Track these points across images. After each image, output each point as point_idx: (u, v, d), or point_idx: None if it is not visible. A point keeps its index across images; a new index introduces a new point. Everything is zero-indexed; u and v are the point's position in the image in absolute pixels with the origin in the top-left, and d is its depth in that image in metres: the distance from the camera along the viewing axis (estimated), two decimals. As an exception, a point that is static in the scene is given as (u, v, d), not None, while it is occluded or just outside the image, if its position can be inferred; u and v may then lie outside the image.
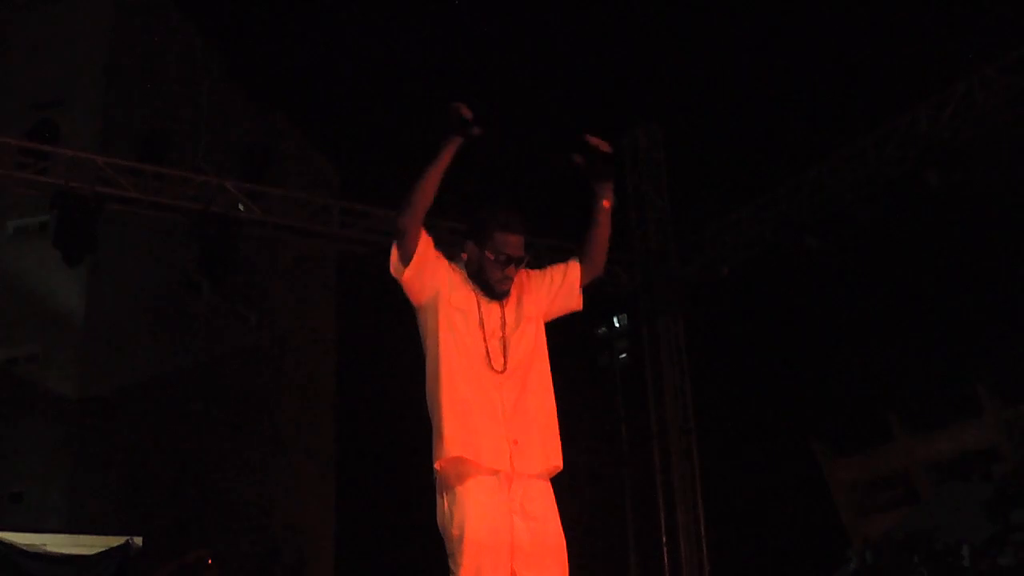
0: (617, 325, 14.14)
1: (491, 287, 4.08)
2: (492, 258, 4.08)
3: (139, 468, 23.02)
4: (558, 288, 4.31)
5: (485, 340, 3.99)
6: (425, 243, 4.15)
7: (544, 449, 3.98)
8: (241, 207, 12.20)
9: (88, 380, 23.59)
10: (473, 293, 4.09)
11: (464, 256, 4.23)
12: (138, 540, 11.27)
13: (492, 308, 4.08)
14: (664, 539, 13.46)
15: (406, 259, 4.15)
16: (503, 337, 4.02)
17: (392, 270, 4.21)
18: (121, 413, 23.15)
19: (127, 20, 27.02)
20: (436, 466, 3.91)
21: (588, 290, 4.40)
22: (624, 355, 14.23)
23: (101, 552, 11.22)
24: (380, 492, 27.85)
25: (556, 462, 4.01)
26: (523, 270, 4.19)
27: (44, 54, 25.99)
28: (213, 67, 29.45)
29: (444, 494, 3.91)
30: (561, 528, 3.97)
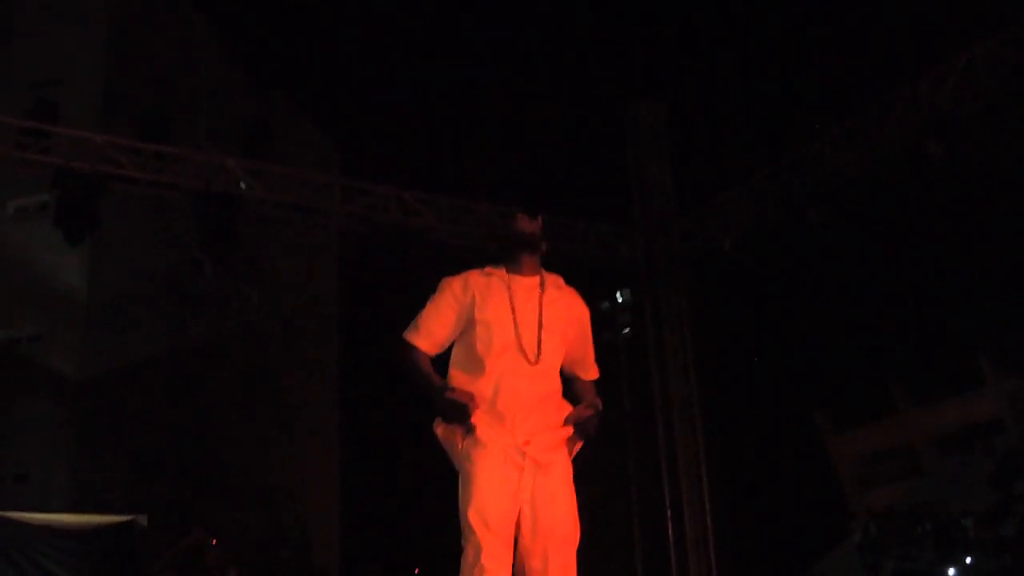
0: (620, 300, 14.12)
1: (522, 240, 4.19)
2: (516, 227, 4.24)
3: (143, 447, 23.07)
4: (573, 339, 4.33)
5: (517, 328, 4.05)
6: (433, 334, 4.16)
7: (560, 438, 4.07)
8: (242, 185, 12.17)
9: (91, 360, 23.63)
10: (500, 282, 4.16)
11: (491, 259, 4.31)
12: (143, 519, 11.29)
13: (527, 301, 4.13)
14: (668, 512, 13.49)
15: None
16: (539, 326, 4.08)
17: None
18: (124, 393, 23.19)
19: (126, -1, 26.94)
20: (455, 440, 4.01)
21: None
22: (627, 330, 14.21)
23: (104, 525, 11.24)
24: (384, 469, 27.93)
25: (570, 453, 4.12)
26: (573, 293, 4.34)
27: (43, 34, 25.92)
28: (212, 45, 29.36)
29: (460, 471, 3.99)
30: (574, 513, 4.06)
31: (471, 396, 3.93)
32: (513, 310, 4.06)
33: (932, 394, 32.25)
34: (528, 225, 4.24)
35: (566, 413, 4.10)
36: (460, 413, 3.91)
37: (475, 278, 4.17)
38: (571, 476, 4.11)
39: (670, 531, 13.40)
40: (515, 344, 4.01)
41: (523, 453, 3.93)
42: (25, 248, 23.38)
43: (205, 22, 29.23)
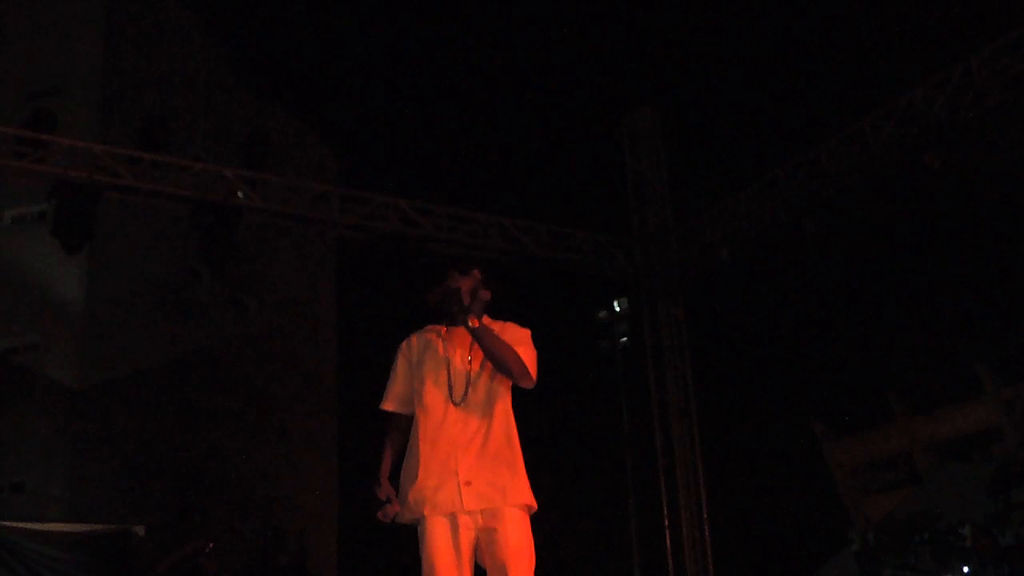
0: (618, 309, 14.12)
1: (448, 298, 4.55)
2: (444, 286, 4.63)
3: (140, 456, 23.04)
4: None
5: (449, 374, 4.49)
6: (399, 395, 4.70)
7: (494, 488, 4.37)
8: (240, 194, 12.18)
9: (88, 369, 23.61)
10: (436, 337, 4.62)
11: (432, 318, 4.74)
12: (140, 529, 11.28)
13: (458, 349, 4.54)
14: (666, 522, 13.49)
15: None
16: (468, 372, 4.49)
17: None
18: (122, 402, 23.17)
19: (124, 8, 26.95)
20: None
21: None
22: (625, 339, 14.22)
23: (101, 534, 11.23)
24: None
25: (517, 499, 4.39)
26: (499, 323, 4.62)
27: (41, 43, 25.94)
28: (210, 55, 29.39)
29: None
30: (522, 545, 4.35)
31: (387, 497, 4.37)
32: (448, 364, 4.51)
33: (930, 402, 32.24)
34: (456, 281, 4.60)
35: (507, 452, 4.43)
36: (380, 504, 4.40)
37: (416, 339, 4.69)
38: (521, 513, 4.40)
39: (668, 540, 13.41)
40: (445, 395, 4.46)
41: (457, 512, 4.31)
42: (22, 257, 23.38)
43: (203, 32, 29.26)
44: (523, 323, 4.66)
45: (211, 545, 9.85)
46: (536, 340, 4.60)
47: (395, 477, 4.51)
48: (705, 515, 13.50)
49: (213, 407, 25.29)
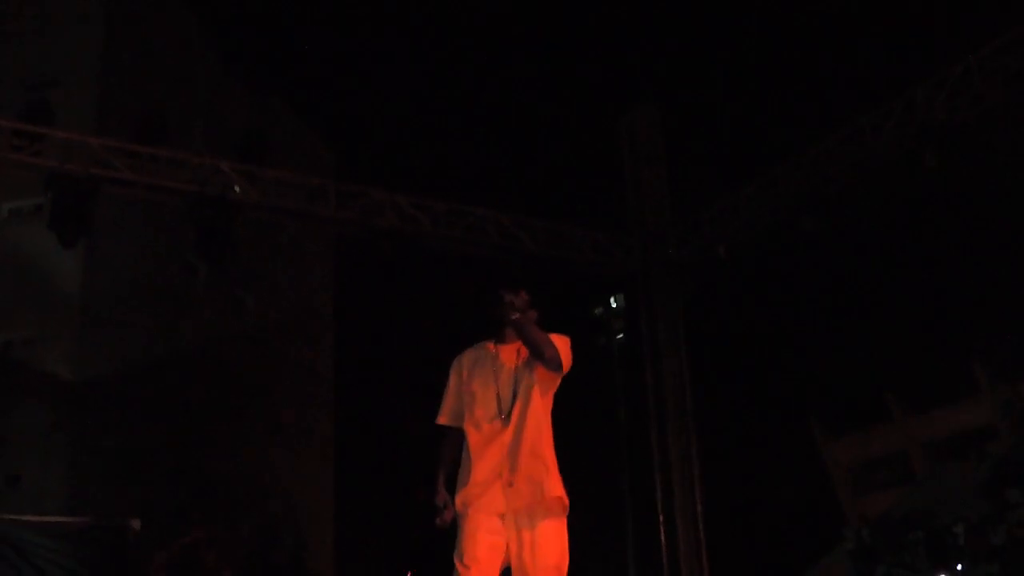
0: (614, 305, 14.09)
1: (498, 316, 4.96)
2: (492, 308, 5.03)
3: (137, 450, 23.03)
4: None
5: (497, 387, 4.94)
6: (451, 409, 5.11)
7: (532, 484, 4.83)
8: (237, 189, 12.15)
9: (85, 363, 23.60)
10: (486, 354, 5.06)
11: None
12: (136, 522, 11.27)
13: (505, 366, 4.99)
14: (661, 518, 13.46)
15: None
16: (514, 387, 4.93)
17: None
18: (119, 395, 23.16)
19: (123, 2, 26.92)
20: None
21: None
22: (621, 335, 14.18)
23: (98, 527, 11.22)
24: (379, 473, 27.90)
25: (552, 492, 4.86)
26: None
27: (40, 35, 25.91)
28: (209, 50, 29.36)
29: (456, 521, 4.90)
30: (557, 552, 4.82)
31: (443, 507, 4.83)
32: (496, 378, 4.96)
33: (926, 402, 32.29)
34: (508, 295, 4.98)
35: (544, 454, 4.90)
36: (438, 511, 4.84)
37: (467, 355, 5.11)
38: (556, 519, 4.87)
39: (663, 537, 13.38)
40: (495, 410, 4.90)
41: (502, 515, 4.78)
42: (19, 250, 23.34)
43: (202, 27, 29.23)
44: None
45: (206, 536, 9.86)
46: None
47: (449, 486, 4.95)
48: (700, 511, 13.46)
49: (210, 401, 25.28)
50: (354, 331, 30.05)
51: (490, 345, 5.06)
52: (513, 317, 4.88)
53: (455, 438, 5.02)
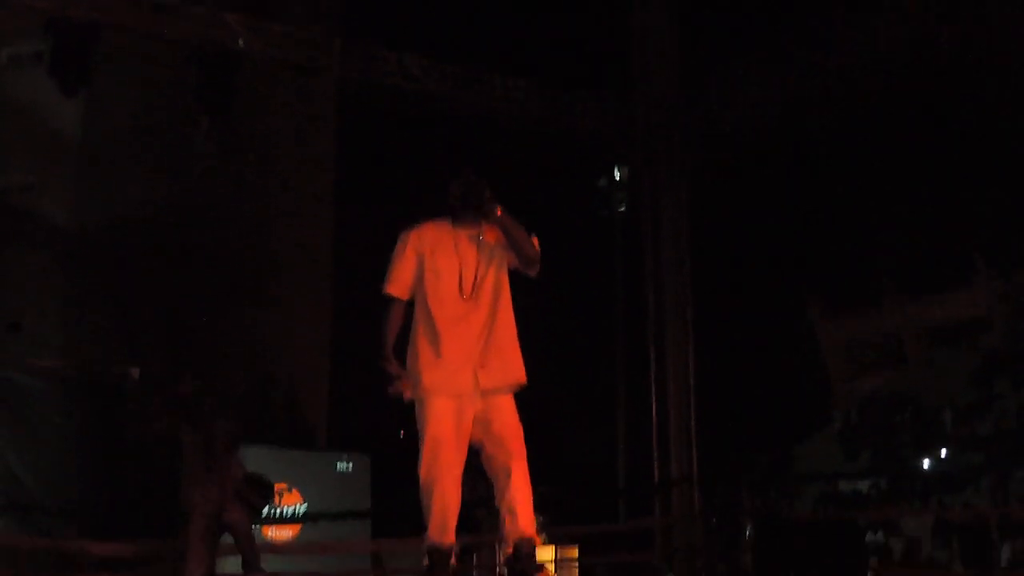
0: (618, 177, 13.95)
1: (480, 207, 4.91)
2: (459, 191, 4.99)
3: (135, 300, 23.12)
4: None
5: (461, 269, 4.94)
6: (405, 282, 5.10)
7: (505, 369, 4.96)
8: (241, 42, 11.97)
9: (84, 210, 23.53)
10: (448, 233, 5.03)
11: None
12: (135, 371, 11.39)
13: (468, 246, 4.99)
14: (653, 392, 13.54)
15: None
16: (477, 268, 4.94)
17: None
18: (117, 245, 23.16)
19: None
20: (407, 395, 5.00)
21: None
22: (623, 207, 14.08)
23: (98, 374, 11.36)
24: (376, 330, 28.04)
25: (518, 376, 5.01)
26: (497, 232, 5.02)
27: None
28: None
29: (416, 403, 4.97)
30: (517, 424, 4.95)
31: (398, 374, 4.95)
32: (460, 258, 4.94)
33: (924, 287, 32.38)
34: (489, 197, 4.94)
35: (510, 336, 5.00)
36: (390, 379, 4.96)
37: (426, 231, 5.06)
38: (511, 394, 4.99)
39: (653, 410, 13.46)
40: (457, 288, 4.91)
41: (471, 394, 4.84)
42: (18, 96, 23.06)
43: None
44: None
45: (195, 381, 9.91)
46: (535, 206, 5.34)
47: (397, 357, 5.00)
48: (692, 385, 13.50)
49: (207, 252, 25.28)
50: (356, 188, 29.90)
51: (449, 224, 5.03)
52: (499, 213, 4.86)
53: (401, 310, 5.05)
